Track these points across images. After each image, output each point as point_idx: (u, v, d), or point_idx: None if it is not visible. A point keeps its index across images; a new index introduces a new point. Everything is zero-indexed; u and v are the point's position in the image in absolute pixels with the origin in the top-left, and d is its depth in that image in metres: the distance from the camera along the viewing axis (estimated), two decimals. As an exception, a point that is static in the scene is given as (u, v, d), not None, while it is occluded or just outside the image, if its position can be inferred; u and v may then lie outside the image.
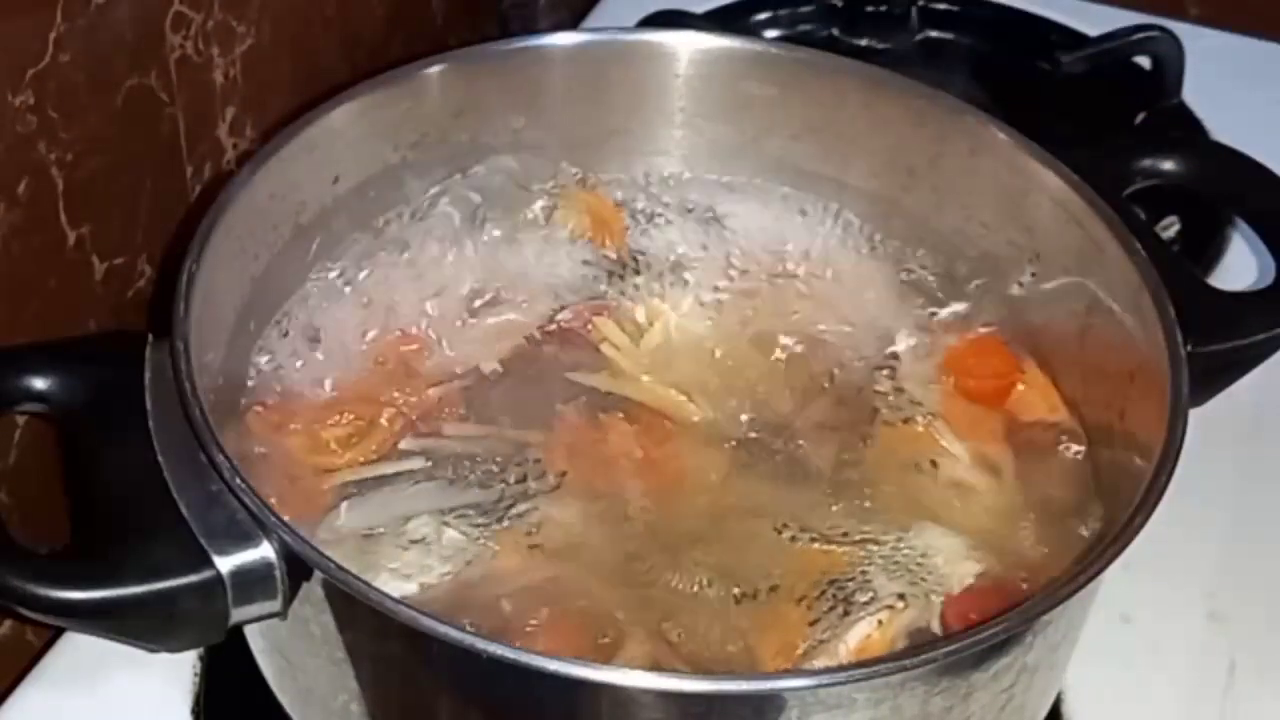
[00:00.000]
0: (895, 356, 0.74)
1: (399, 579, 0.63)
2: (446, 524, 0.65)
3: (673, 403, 0.72)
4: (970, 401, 0.73)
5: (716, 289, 0.77)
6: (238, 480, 0.57)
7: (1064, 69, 1.03)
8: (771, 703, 0.54)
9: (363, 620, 0.57)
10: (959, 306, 0.76)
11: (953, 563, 0.65)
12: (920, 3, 1.10)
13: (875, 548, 0.66)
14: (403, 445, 0.69)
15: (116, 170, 0.73)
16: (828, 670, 0.59)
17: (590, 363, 0.73)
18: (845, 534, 0.66)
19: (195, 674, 0.72)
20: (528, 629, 0.62)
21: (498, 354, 0.74)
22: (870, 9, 1.09)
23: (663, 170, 0.81)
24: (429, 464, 0.68)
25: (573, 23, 1.13)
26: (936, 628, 0.63)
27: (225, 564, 0.57)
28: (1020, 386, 0.73)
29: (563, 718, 0.56)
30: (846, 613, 0.63)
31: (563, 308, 0.76)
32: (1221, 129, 1.02)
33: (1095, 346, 0.70)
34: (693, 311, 0.76)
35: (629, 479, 0.68)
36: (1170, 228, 0.93)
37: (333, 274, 0.75)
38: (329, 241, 0.74)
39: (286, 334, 0.72)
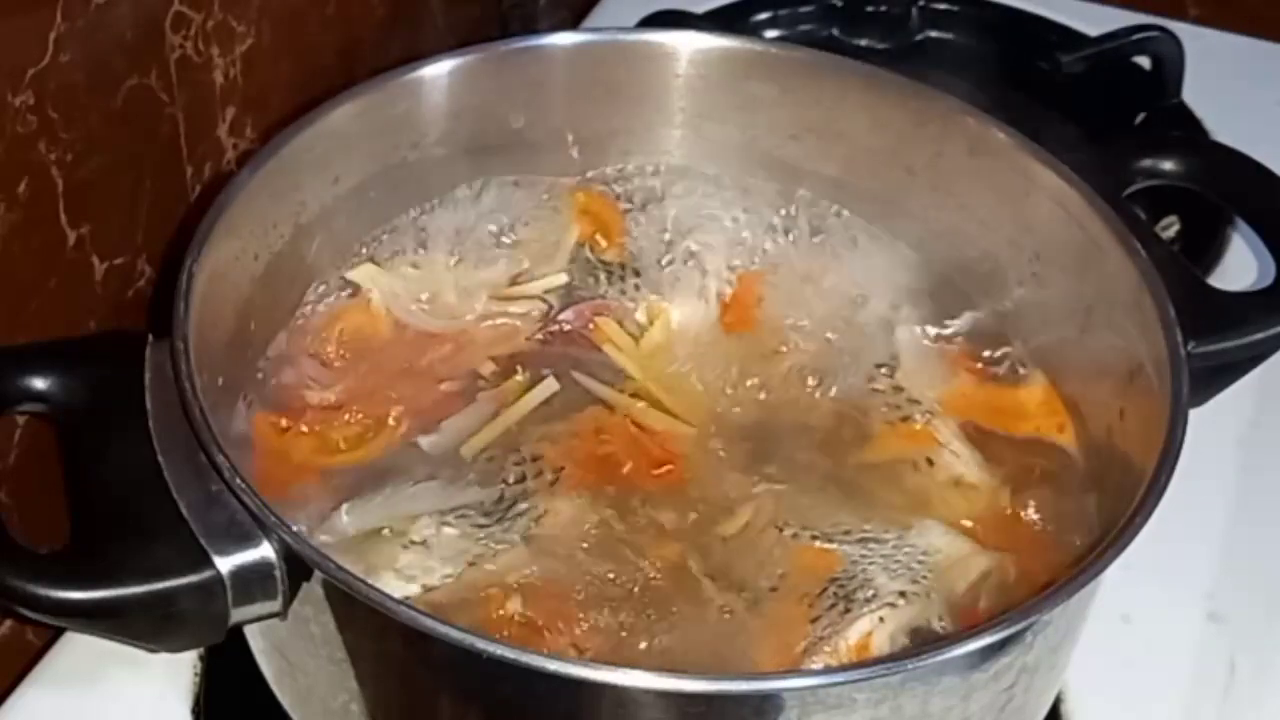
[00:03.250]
0: (894, 356, 0.74)
1: (400, 579, 0.63)
2: (447, 524, 0.65)
3: (672, 425, 0.71)
4: (970, 402, 0.73)
5: (716, 288, 0.77)
6: (238, 480, 0.57)
7: (1064, 69, 1.03)
8: (771, 703, 0.54)
9: (363, 620, 0.57)
10: (958, 306, 0.76)
11: (953, 561, 0.65)
12: (920, 3, 1.10)
13: (876, 546, 0.66)
14: (406, 444, 0.69)
15: (116, 170, 0.73)
16: (828, 670, 0.59)
17: (592, 362, 0.73)
18: (847, 532, 0.66)
19: (195, 674, 0.72)
20: (529, 628, 0.62)
21: (500, 354, 0.74)
22: (870, 9, 1.09)
23: (663, 170, 0.81)
24: (431, 463, 0.68)
25: (573, 23, 1.13)
26: (937, 626, 0.63)
27: (225, 564, 0.57)
28: (1027, 403, 0.73)
29: (563, 718, 0.56)
30: (847, 610, 0.63)
31: (564, 308, 0.76)
32: (1221, 129, 1.02)
33: (1095, 346, 0.70)
34: (693, 311, 0.76)
35: (630, 478, 0.68)
36: (1170, 228, 0.93)
37: (333, 274, 0.75)
38: (329, 241, 0.74)
39: (288, 334, 0.72)
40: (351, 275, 0.74)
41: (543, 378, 0.72)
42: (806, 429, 0.71)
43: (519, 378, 0.72)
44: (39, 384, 0.63)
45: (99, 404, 0.63)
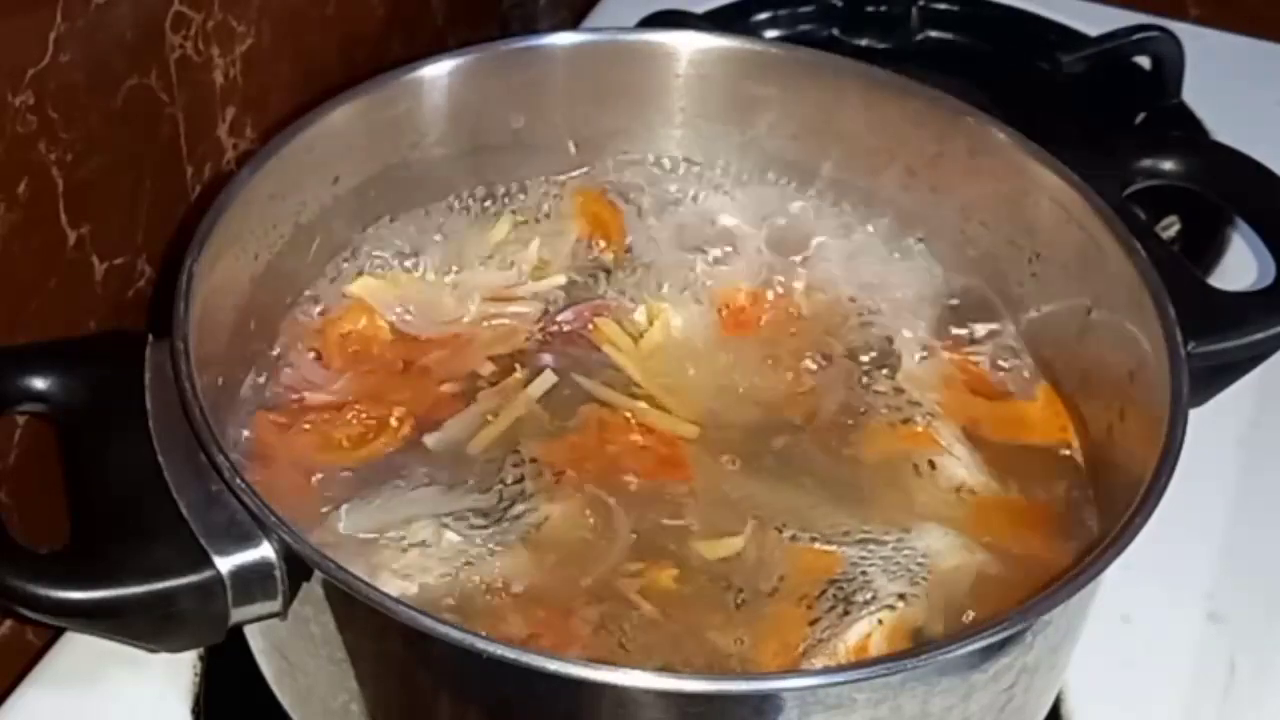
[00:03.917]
0: (894, 356, 0.74)
1: (399, 580, 0.63)
2: (446, 526, 0.65)
3: (673, 426, 0.71)
4: (970, 404, 0.73)
5: (715, 289, 0.77)
6: (238, 480, 0.57)
7: (1064, 69, 1.03)
8: (771, 703, 0.54)
9: (363, 620, 0.57)
10: (958, 307, 0.76)
11: (953, 563, 0.65)
12: (920, 3, 1.10)
13: (876, 548, 0.66)
14: (406, 444, 0.69)
15: (116, 170, 0.73)
16: (827, 670, 0.59)
17: (592, 363, 0.73)
18: (846, 534, 0.66)
19: (195, 674, 0.72)
20: (527, 629, 0.62)
21: (499, 355, 0.74)
22: (870, 9, 1.09)
23: (662, 170, 0.81)
24: (430, 464, 0.68)
25: (573, 23, 1.13)
26: (936, 628, 0.63)
27: (225, 564, 0.57)
28: (1028, 404, 0.73)
29: (563, 718, 0.56)
30: (846, 612, 0.63)
31: (563, 308, 0.76)
32: (1221, 129, 1.02)
33: (1095, 346, 0.70)
34: (692, 311, 0.76)
35: (629, 479, 0.68)
36: (1170, 228, 0.93)
37: (333, 274, 0.75)
38: (329, 241, 0.74)
39: (288, 334, 0.72)
40: (350, 289, 0.74)
41: (541, 373, 0.72)
42: (807, 430, 0.71)
43: (517, 375, 0.72)
44: (39, 384, 0.63)
45: (99, 404, 0.63)
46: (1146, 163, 0.76)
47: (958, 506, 0.68)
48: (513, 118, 0.78)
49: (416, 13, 1.00)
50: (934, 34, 1.10)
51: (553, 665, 0.53)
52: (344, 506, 0.66)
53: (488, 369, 0.73)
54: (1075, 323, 0.71)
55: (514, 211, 0.79)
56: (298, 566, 0.57)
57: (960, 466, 0.70)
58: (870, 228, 0.79)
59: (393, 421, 0.70)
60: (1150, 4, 1.11)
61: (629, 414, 0.71)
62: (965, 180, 0.76)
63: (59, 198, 0.69)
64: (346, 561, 0.58)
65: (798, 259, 0.78)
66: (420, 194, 0.77)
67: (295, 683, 0.64)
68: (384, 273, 0.75)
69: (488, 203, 0.79)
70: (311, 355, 0.72)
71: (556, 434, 0.70)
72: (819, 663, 0.61)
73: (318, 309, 0.74)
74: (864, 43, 1.09)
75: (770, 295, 0.77)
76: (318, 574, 0.56)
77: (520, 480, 0.67)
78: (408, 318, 0.74)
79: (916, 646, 0.61)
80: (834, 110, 0.78)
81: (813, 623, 0.63)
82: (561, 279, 0.77)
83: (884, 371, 0.74)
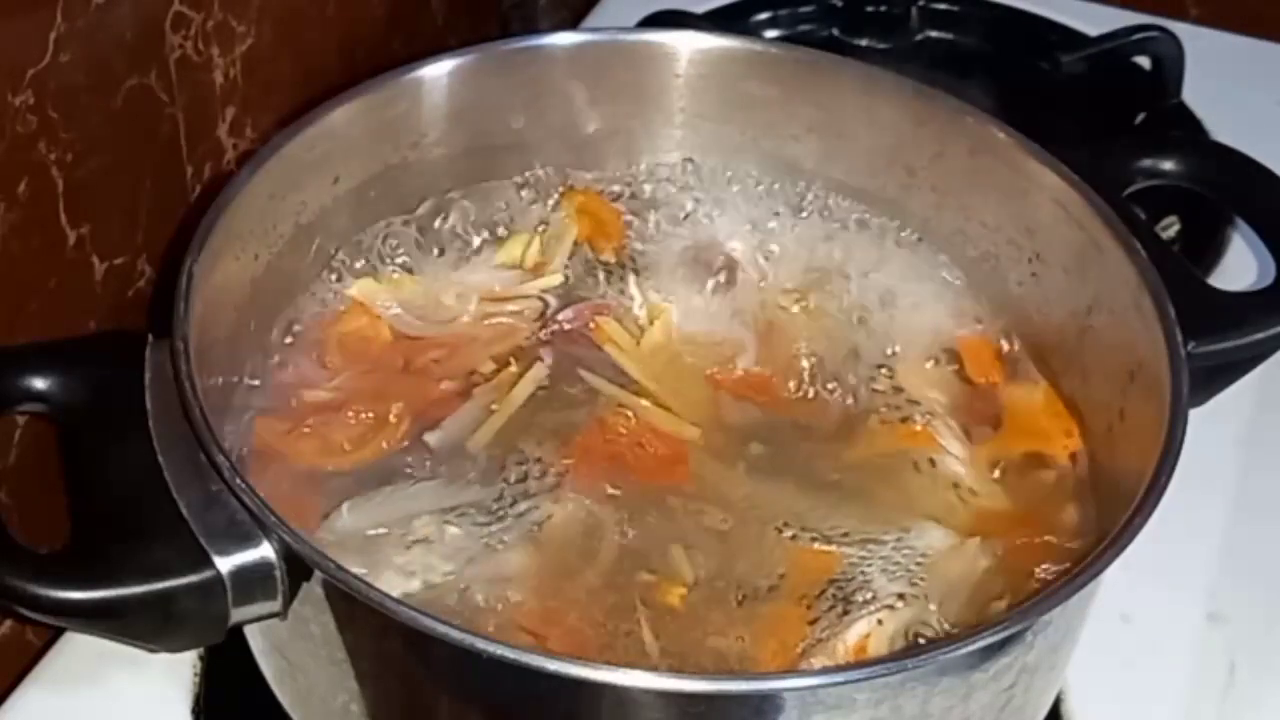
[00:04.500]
0: (894, 356, 0.74)
1: (401, 578, 0.63)
2: (448, 523, 0.65)
3: (675, 425, 0.71)
4: (970, 404, 0.73)
5: (715, 288, 0.77)
6: (238, 480, 0.57)
7: (1064, 69, 1.03)
8: (771, 703, 0.54)
9: (363, 620, 0.57)
10: (958, 307, 0.76)
11: (952, 563, 0.65)
12: (920, 3, 1.10)
13: (875, 548, 0.66)
14: (407, 442, 0.69)
15: (116, 170, 0.73)
16: (827, 670, 0.59)
17: (593, 362, 0.73)
18: (846, 534, 0.66)
19: (195, 674, 0.72)
20: (529, 628, 0.62)
21: (500, 353, 0.74)
22: (870, 9, 1.09)
23: (662, 170, 0.81)
24: (431, 462, 0.68)
25: (573, 23, 1.13)
26: (935, 628, 0.63)
27: (225, 564, 0.57)
28: (1028, 404, 0.73)
29: (563, 718, 0.56)
30: (846, 612, 0.63)
31: (563, 307, 0.76)
32: (1221, 129, 1.02)
33: (1095, 346, 0.70)
34: (692, 311, 0.76)
35: (633, 478, 0.68)
36: (1170, 228, 0.93)
37: (334, 274, 0.75)
38: (329, 242, 0.74)
39: (288, 334, 0.72)
40: (351, 291, 0.74)
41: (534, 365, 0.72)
42: (807, 429, 0.71)
43: (512, 369, 0.72)
44: (39, 384, 0.63)
45: (99, 404, 0.63)
46: (1146, 163, 0.76)
47: (957, 506, 0.68)
48: (513, 118, 0.78)
49: (416, 13, 1.00)
50: (934, 34, 1.10)
51: (553, 665, 0.53)
52: (345, 504, 0.66)
53: (488, 368, 0.73)
54: (1075, 323, 0.71)
55: (514, 212, 0.79)
56: (298, 566, 0.57)
57: (959, 465, 0.70)
58: (870, 228, 0.79)
59: (392, 421, 0.70)
60: (1150, 4, 1.11)
61: (630, 413, 0.71)
62: (965, 180, 0.76)
63: (59, 198, 0.69)
64: (347, 558, 0.58)
65: (796, 258, 0.78)
66: (420, 194, 0.77)
67: (295, 683, 0.64)
68: (384, 273, 0.75)
69: (486, 203, 0.79)
70: (311, 355, 0.72)
71: (559, 433, 0.70)
72: (818, 662, 0.61)
73: (317, 309, 0.74)
74: (864, 43, 1.09)
75: (768, 295, 0.77)
76: (318, 574, 0.56)
77: (524, 479, 0.68)
78: (407, 318, 0.74)
79: (916, 646, 0.61)
80: (834, 110, 0.78)
81: (812, 622, 0.63)
82: (559, 279, 0.77)
83: (884, 370, 0.74)
